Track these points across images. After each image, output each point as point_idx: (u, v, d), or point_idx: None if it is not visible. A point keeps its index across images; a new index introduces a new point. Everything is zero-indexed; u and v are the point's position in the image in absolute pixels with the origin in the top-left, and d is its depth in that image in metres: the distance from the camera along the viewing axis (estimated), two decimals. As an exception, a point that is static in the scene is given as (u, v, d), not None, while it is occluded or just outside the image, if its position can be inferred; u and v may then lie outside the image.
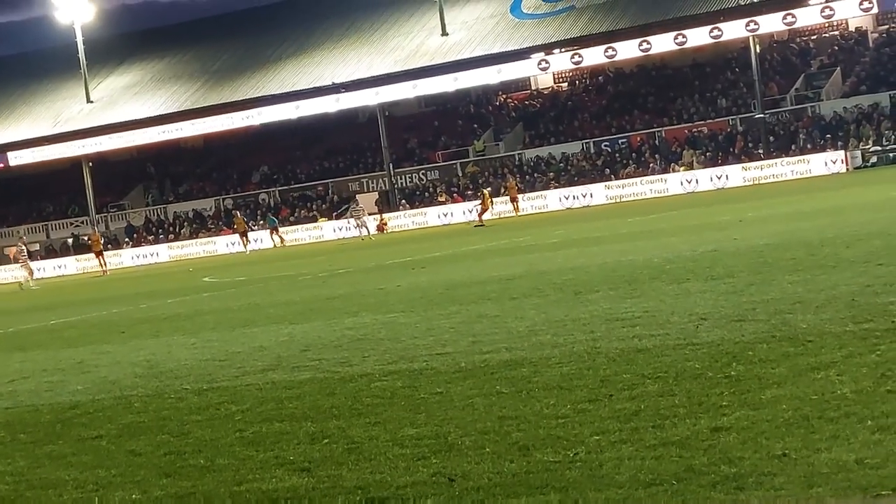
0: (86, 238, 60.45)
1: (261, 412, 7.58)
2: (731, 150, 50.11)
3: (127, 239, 64.34)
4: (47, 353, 13.81)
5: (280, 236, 53.43)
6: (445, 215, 52.85)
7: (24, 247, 45.19)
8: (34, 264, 51.20)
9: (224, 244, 57.38)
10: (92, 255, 53.38)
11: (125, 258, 60.67)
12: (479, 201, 45.46)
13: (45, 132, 64.46)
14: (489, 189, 48.84)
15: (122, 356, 12.18)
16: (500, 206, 48.87)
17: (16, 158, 65.21)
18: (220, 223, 61.40)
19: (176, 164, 69.16)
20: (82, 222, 68.19)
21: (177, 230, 63.70)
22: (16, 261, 45.22)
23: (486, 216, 44.35)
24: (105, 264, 50.72)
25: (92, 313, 20.86)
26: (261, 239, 55.11)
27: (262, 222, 57.98)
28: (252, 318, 15.30)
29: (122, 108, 63.81)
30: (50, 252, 66.92)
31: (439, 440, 6.00)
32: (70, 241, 66.97)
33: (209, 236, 60.53)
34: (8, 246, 68.01)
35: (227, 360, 10.66)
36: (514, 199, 48.67)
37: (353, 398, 7.66)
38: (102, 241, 54.08)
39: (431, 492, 5.01)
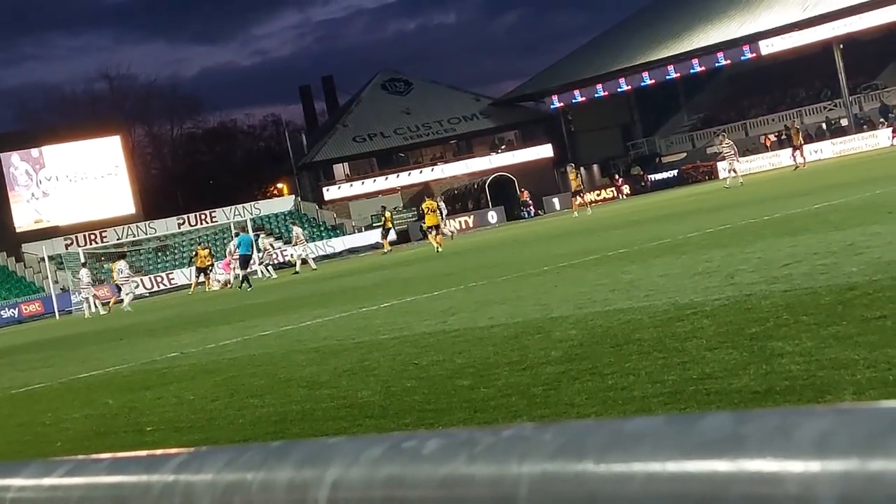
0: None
1: None
2: None
3: (882, 119, 62.56)
4: (816, 236, 13.84)
5: None
6: None
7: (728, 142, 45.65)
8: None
9: None
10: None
11: (881, 139, 59.07)
12: None
13: (795, 18, 64.47)
14: None
15: (894, 236, 11.84)
16: None
17: (767, 47, 66.07)
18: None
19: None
20: (834, 105, 67.51)
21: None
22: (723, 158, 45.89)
23: None
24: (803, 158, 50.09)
25: (854, 196, 20.57)
26: None
27: None
28: None
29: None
30: (806, 138, 67.28)
31: None
32: (823, 125, 66.70)
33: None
34: (763, 134, 69.51)
35: None
36: None
37: None
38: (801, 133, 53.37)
39: None
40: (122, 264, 41.03)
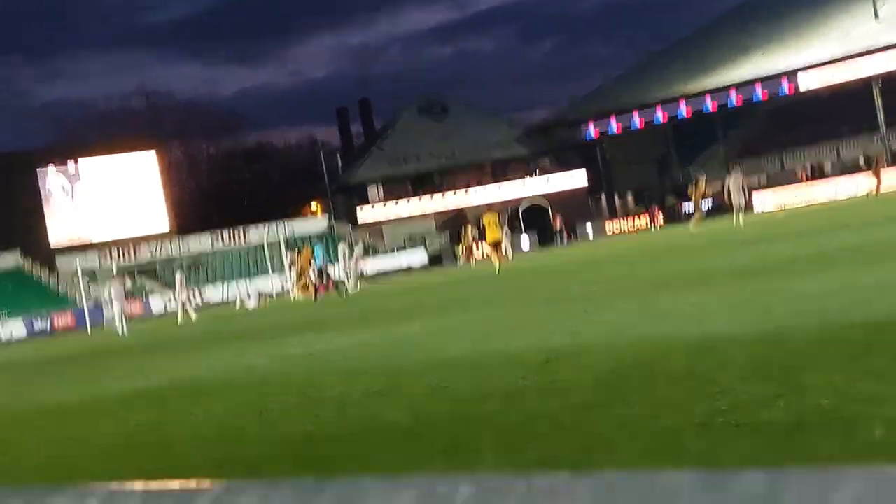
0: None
1: None
2: None
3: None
4: (850, 270, 13.73)
5: None
6: None
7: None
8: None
9: None
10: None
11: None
12: None
13: (834, 54, 64.26)
14: None
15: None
16: None
17: (806, 82, 65.86)
18: None
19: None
20: (872, 141, 67.20)
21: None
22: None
23: None
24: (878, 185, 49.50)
25: (890, 231, 20.44)
26: None
27: None
28: None
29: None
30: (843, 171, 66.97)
31: None
32: (861, 160, 66.42)
33: None
34: (800, 167, 69.15)
35: None
36: None
37: None
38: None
39: None
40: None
